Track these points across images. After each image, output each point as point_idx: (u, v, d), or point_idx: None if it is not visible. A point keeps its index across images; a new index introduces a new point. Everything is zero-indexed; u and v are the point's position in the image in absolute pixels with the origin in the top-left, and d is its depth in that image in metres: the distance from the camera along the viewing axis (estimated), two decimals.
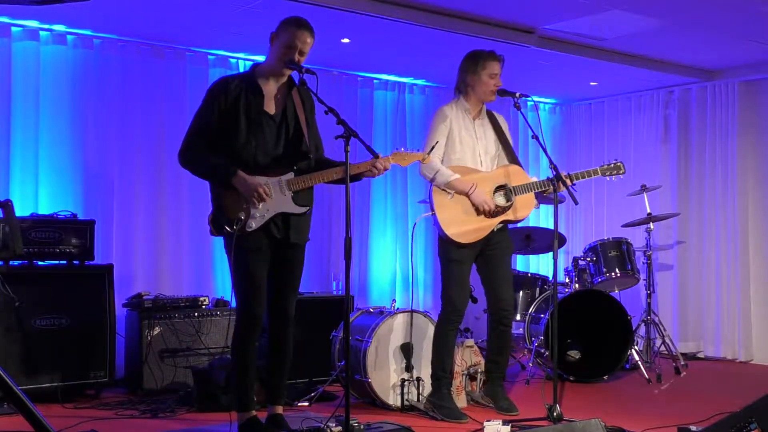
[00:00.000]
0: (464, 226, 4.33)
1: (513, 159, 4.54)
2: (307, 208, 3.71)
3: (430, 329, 4.67)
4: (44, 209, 5.11)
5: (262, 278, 3.66)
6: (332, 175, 3.68)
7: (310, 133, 3.75)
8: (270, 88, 3.70)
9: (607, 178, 4.55)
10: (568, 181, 4.28)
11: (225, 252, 3.70)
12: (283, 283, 3.75)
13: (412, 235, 4.73)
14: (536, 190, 4.43)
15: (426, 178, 4.38)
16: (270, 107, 3.68)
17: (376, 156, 3.63)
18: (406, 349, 4.62)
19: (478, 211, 4.35)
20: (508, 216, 4.41)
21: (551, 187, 4.33)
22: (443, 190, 4.34)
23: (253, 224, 3.58)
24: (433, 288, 6.95)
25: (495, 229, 4.43)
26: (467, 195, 4.33)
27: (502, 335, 4.55)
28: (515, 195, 4.41)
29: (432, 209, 4.37)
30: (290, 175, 3.65)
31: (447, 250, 4.40)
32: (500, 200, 4.40)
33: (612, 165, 4.54)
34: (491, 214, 4.36)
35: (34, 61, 5.25)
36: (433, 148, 4.25)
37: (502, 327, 4.53)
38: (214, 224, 3.64)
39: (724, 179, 6.77)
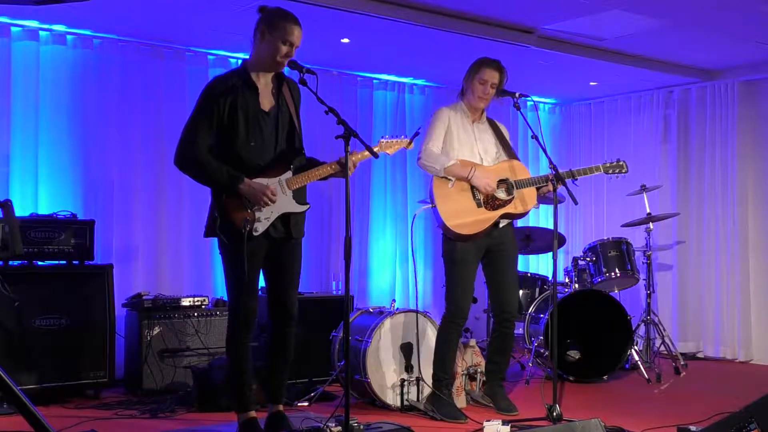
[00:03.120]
0: (465, 217, 4.33)
1: (514, 158, 4.55)
2: (308, 206, 3.72)
3: (430, 329, 4.67)
4: (44, 209, 5.11)
5: (256, 281, 3.68)
6: (327, 170, 3.67)
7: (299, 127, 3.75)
8: (262, 84, 3.68)
9: (609, 174, 4.54)
10: (564, 179, 4.27)
11: (220, 253, 3.69)
12: (283, 281, 3.76)
13: (412, 228, 4.72)
14: (537, 185, 4.43)
15: (427, 170, 4.37)
16: (265, 104, 3.66)
17: (375, 156, 3.63)
18: (406, 349, 4.62)
19: (479, 202, 4.35)
20: (510, 209, 4.41)
21: (548, 186, 4.34)
22: (443, 178, 4.35)
23: (260, 228, 3.58)
24: (433, 287, 6.95)
25: (500, 225, 4.43)
26: (467, 179, 4.33)
27: (504, 337, 4.55)
28: (516, 189, 4.41)
29: (432, 201, 4.37)
30: (289, 174, 3.65)
31: (451, 249, 4.39)
32: (501, 194, 4.40)
33: (615, 163, 4.55)
34: (491, 207, 4.36)
35: (33, 61, 5.25)
36: (416, 134, 4.24)
37: (504, 329, 4.54)
38: (221, 231, 3.58)
39: (724, 179, 6.77)
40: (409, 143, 3.99)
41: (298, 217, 3.72)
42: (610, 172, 4.53)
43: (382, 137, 3.93)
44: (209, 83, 3.67)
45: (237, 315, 3.66)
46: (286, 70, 3.70)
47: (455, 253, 4.38)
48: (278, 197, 3.60)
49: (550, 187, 4.33)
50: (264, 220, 3.59)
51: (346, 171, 3.48)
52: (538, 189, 4.46)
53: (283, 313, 3.77)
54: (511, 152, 4.56)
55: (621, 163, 4.56)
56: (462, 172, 4.33)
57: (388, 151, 3.91)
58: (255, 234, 3.56)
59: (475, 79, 4.40)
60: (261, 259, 3.67)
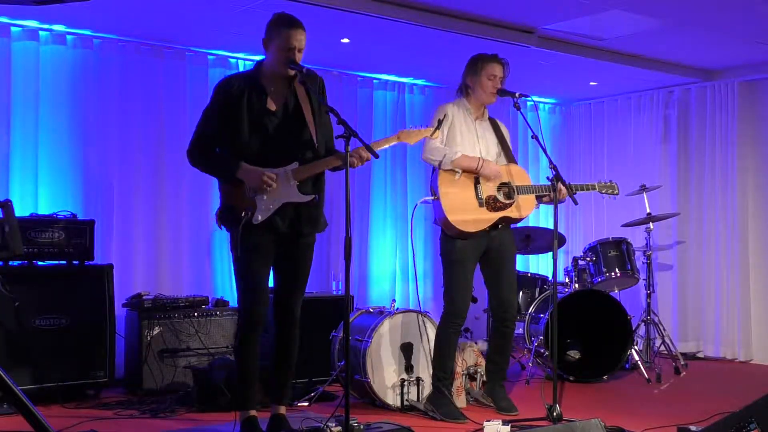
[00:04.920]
0: (466, 214, 4.34)
1: (513, 162, 4.56)
2: (313, 196, 3.69)
3: (430, 329, 4.67)
4: (44, 209, 5.11)
5: (264, 277, 3.67)
6: (333, 162, 3.69)
7: (319, 124, 3.73)
8: (272, 86, 3.70)
9: (602, 194, 4.63)
10: (564, 181, 4.29)
11: (230, 249, 3.70)
12: (289, 280, 3.76)
13: (412, 220, 4.71)
14: (538, 193, 4.45)
15: (432, 163, 4.37)
16: (272, 104, 3.68)
17: (375, 156, 3.63)
18: (406, 349, 4.62)
19: (481, 202, 4.35)
20: (509, 214, 4.42)
21: (550, 194, 4.35)
22: (449, 171, 4.34)
23: (260, 217, 3.58)
24: (433, 287, 6.95)
25: (499, 226, 4.43)
26: (476, 170, 4.33)
27: (503, 337, 4.55)
28: (517, 194, 4.42)
29: (436, 194, 4.37)
30: (295, 165, 3.65)
31: (449, 248, 4.40)
32: (501, 197, 4.41)
33: (608, 184, 4.64)
34: (492, 208, 4.37)
35: (33, 61, 5.25)
36: (440, 121, 4.26)
37: (504, 329, 4.54)
38: (223, 220, 3.68)
39: (724, 179, 6.77)
40: (434, 132, 4.01)
41: (311, 211, 3.71)
42: (603, 191, 4.62)
43: (403, 127, 3.92)
44: (220, 82, 3.73)
45: (245, 314, 3.66)
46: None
47: (454, 253, 4.39)
48: (282, 186, 3.60)
49: (551, 197, 4.35)
50: (264, 209, 3.59)
51: (347, 171, 3.47)
52: (539, 198, 4.48)
53: (286, 313, 3.77)
54: (510, 155, 4.57)
55: (613, 184, 4.66)
56: (471, 163, 4.34)
57: (408, 141, 3.89)
58: (255, 223, 3.57)
59: (483, 75, 4.40)
60: (270, 257, 3.67)
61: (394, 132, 6.88)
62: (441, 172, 4.36)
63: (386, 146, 3.82)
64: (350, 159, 3.55)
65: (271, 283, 3.79)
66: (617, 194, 4.63)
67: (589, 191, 4.59)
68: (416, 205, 4.64)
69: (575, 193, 4.36)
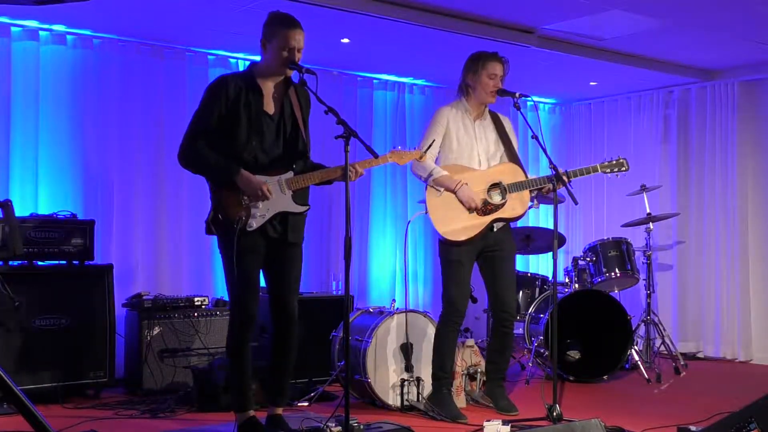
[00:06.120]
0: (455, 224, 4.34)
1: (514, 159, 4.53)
2: (307, 207, 3.71)
3: (430, 329, 4.67)
4: (44, 209, 5.11)
5: (256, 279, 3.67)
6: (331, 174, 3.68)
7: (306, 132, 3.75)
8: (268, 88, 3.69)
9: (608, 174, 4.50)
10: (565, 178, 4.27)
11: (219, 251, 3.69)
12: (283, 282, 3.75)
13: (406, 235, 4.75)
14: (530, 188, 4.41)
15: (419, 178, 4.41)
16: (269, 107, 3.68)
17: (375, 156, 3.63)
18: (406, 349, 4.62)
19: (468, 208, 4.35)
20: (502, 214, 4.40)
21: (548, 185, 4.33)
22: (433, 187, 4.35)
23: (254, 224, 3.58)
24: (433, 287, 6.95)
25: (494, 229, 4.42)
26: (453, 191, 4.33)
27: (503, 337, 4.55)
28: (509, 193, 4.40)
29: (425, 208, 4.39)
30: (290, 174, 3.65)
31: (446, 250, 4.41)
32: (495, 198, 4.39)
33: (614, 161, 4.49)
34: (483, 212, 4.36)
35: (33, 61, 5.25)
36: (430, 146, 4.25)
37: (503, 329, 4.53)
38: (214, 224, 3.64)
39: (724, 179, 6.77)
40: (421, 156, 4.01)
41: (297, 221, 3.71)
42: (609, 171, 4.48)
43: (395, 147, 3.94)
44: (214, 81, 3.69)
45: (237, 314, 3.66)
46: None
47: (450, 254, 4.39)
48: (276, 195, 3.60)
49: (550, 187, 4.33)
50: (259, 216, 3.58)
51: (346, 171, 3.48)
52: (539, 190, 4.44)
53: (283, 316, 3.77)
54: (511, 150, 4.54)
55: (621, 160, 4.50)
56: (450, 184, 4.33)
57: (398, 161, 3.90)
58: (249, 229, 3.56)
59: (483, 74, 4.38)
60: (261, 258, 3.67)
61: (394, 133, 6.96)
62: (428, 186, 4.37)
63: (379, 164, 3.81)
64: (349, 176, 3.54)
65: (262, 285, 3.78)
66: (626, 170, 4.47)
67: (591, 174, 4.44)
68: (409, 221, 4.71)
69: (570, 180, 4.29)
